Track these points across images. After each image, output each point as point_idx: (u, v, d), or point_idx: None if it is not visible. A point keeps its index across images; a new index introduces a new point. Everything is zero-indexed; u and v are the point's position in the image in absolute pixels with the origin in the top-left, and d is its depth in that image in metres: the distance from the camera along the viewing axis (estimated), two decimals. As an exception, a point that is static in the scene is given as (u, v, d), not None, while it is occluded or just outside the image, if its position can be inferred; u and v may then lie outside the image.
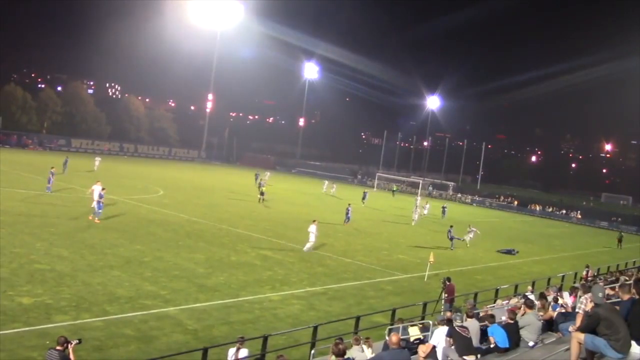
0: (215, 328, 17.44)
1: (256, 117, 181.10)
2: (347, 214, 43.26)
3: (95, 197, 32.73)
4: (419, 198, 58.90)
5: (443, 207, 58.43)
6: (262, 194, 50.75)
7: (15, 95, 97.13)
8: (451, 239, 39.07)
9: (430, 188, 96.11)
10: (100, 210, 31.63)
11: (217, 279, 22.91)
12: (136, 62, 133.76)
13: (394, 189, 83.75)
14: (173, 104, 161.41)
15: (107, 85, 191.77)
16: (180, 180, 63.20)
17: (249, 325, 17.99)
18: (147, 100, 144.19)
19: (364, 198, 60.05)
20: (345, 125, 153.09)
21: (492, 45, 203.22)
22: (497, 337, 12.32)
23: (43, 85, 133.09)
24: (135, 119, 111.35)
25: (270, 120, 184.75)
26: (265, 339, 14.09)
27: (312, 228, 30.90)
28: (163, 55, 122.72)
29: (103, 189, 32.35)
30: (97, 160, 60.80)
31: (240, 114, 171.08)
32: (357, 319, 17.05)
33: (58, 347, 10.81)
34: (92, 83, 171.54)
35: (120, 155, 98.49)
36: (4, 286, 18.43)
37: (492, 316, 13.07)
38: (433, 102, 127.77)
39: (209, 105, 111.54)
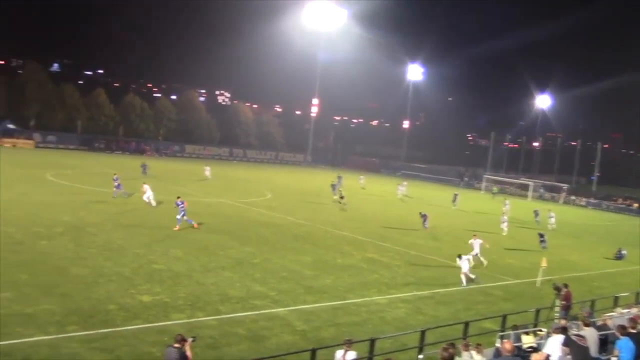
0: (323, 329, 17.66)
1: (360, 120, 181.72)
2: (424, 221, 39.93)
3: (149, 196, 37.22)
4: (507, 203, 55.90)
5: (535, 211, 53.41)
6: (341, 197, 48.71)
7: (134, 105, 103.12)
8: (542, 241, 37.17)
9: (542, 190, 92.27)
10: (180, 217, 30.92)
11: (324, 281, 23.19)
12: (244, 70, 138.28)
13: (494, 191, 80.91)
14: (279, 109, 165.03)
15: (217, 92, 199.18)
16: (287, 184, 64.47)
17: (356, 327, 18.07)
18: (255, 106, 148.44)
19: (454, 200, 58.11)
20: (450, 127, 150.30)
21: (606, 38, 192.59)
22: (624, 352, 11.60)
23: (159, 95, 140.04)
24: (244, 124, 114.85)
25: (374, 123, 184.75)
26: (372, 342, 14.11)
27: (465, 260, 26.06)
28: (269, 63, 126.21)
29: (178, 197, 32.24)
30: (207, 169, 59.58)
31: (345, 118, 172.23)
32: (466, 324, 16.69)
33: (176, 345, 11.34)
34: (203, 91, 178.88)
35: (230, 160, 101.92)
36: (126, 285, 19.60)
37: (624, 327, 12.32)
38: (543, 101, 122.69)
39: (314, 109, 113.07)
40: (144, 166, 55.15)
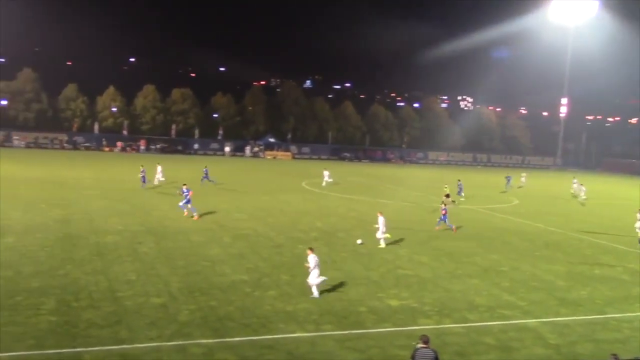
0: (578, 344, 16.50)
1: (617, 118, 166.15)
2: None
3: (158, 176, 44.92)
4: None
5: None
6: (447, 195, 44.12)
7: (379, 115, 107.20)
8: None
9: None
10: (184, 205, 31.91)
11: (579, 293, 21.65)
12: (486, 73, 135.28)
13: None
14: (524, 112, 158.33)
15: (459, 98, 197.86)
16: (535, 189, 61.50)
17: (618, 345, 16.54)
18: (498, 109, 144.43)
19: None
20: None
21: None
22: None
23: (402, 104, 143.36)
24: (488, 129, 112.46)
25: (633, 121, 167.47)
26: (638, 362, 12.84)
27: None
28: (513, 63, 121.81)
29: (184, 184, 33.10)
30: (326, 174, 53.93)
31: (598, 117, 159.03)
32: None
33: (423, 345, 11.58)
34: (445, 98, 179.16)
35: (474, 166, 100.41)
36: (375, 288, 20.39)
37: None
38: None
39: (563, 109, 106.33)
40: (205, 171, 47.95)
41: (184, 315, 16.56)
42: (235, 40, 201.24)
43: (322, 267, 22.63)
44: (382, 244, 27.24)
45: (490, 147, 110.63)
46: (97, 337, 14.67)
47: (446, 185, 45.42)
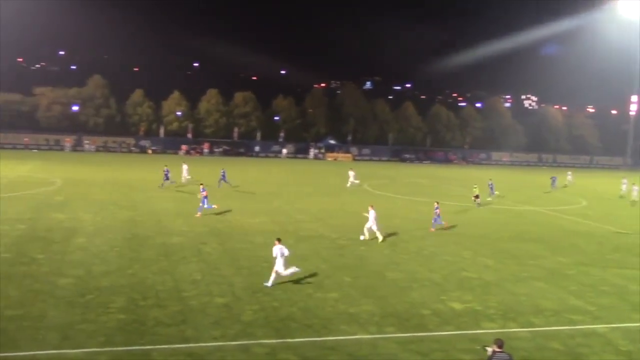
0: (652, 351, 15.87)
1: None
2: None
3: (184, 174, 46.72)
4: None
5: None
6: (476, 196, 41.72)
7: (440, 115, 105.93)
8: None
9: None
10: (203, 206, 32.53)
11: (654, 298, 20.79)
12: (551, 70, 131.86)
13: None
14: (592, 110, 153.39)
15: (523, 97, 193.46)
16: (604, 190, 59.45)
17: (695, 353, 15.83)
18: (564, 108, 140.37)
19: None
20: None
21: None
22: None
23: (464, 104, 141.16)
24: (553, 128, 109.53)
25: None
26: None
27: None
28: (579, 60, 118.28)
29: (201, 184, 34.23)
30: (351, 174, 51.52)
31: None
32: None
33: (499, 349, 11.39)
34: (508, 97, 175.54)
35: (539, 166, 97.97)
36: (438, 291, 20.15)
37: None
38: None
39: (634, 107, 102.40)
40: (223, 173, 46.62)
41: (247, 315, 16.81)
42: (295, 43, 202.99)
43: (385, 269, 22.64)
44: (362, 237, 27.89)
45: (557, 147, 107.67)
46: (164, 335, 15.07)
47: (475, 185, 43.91)
